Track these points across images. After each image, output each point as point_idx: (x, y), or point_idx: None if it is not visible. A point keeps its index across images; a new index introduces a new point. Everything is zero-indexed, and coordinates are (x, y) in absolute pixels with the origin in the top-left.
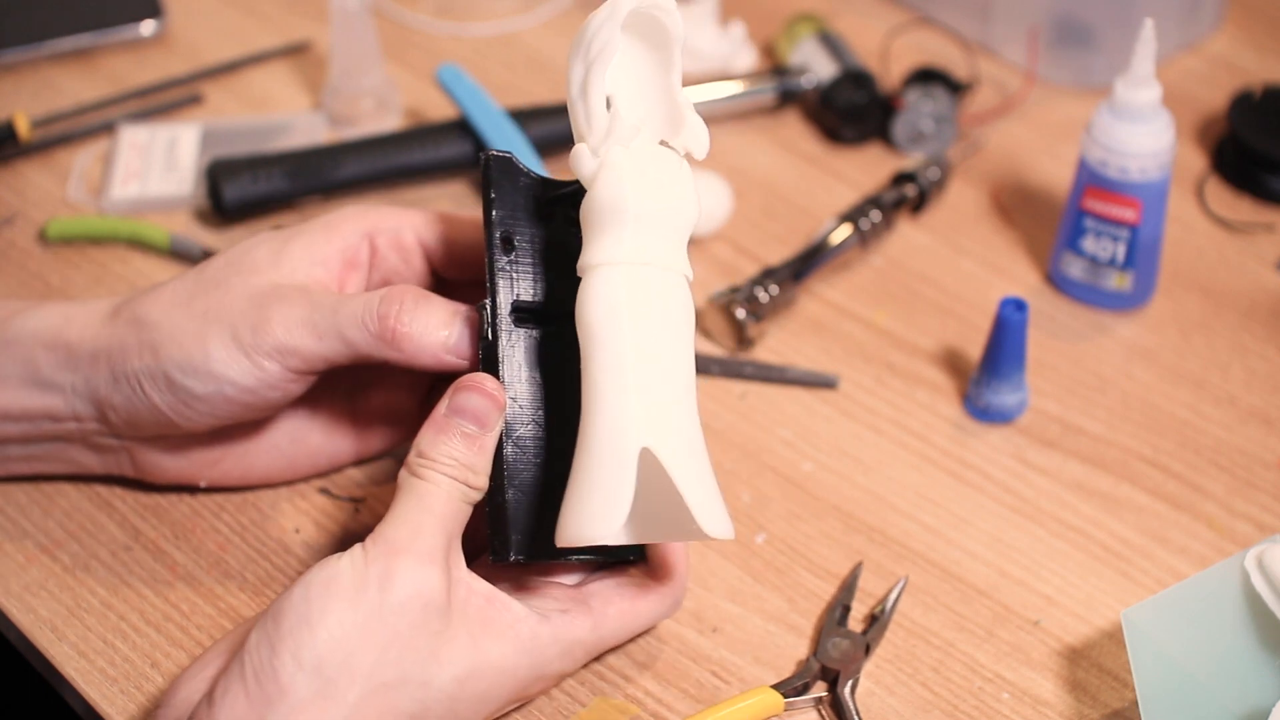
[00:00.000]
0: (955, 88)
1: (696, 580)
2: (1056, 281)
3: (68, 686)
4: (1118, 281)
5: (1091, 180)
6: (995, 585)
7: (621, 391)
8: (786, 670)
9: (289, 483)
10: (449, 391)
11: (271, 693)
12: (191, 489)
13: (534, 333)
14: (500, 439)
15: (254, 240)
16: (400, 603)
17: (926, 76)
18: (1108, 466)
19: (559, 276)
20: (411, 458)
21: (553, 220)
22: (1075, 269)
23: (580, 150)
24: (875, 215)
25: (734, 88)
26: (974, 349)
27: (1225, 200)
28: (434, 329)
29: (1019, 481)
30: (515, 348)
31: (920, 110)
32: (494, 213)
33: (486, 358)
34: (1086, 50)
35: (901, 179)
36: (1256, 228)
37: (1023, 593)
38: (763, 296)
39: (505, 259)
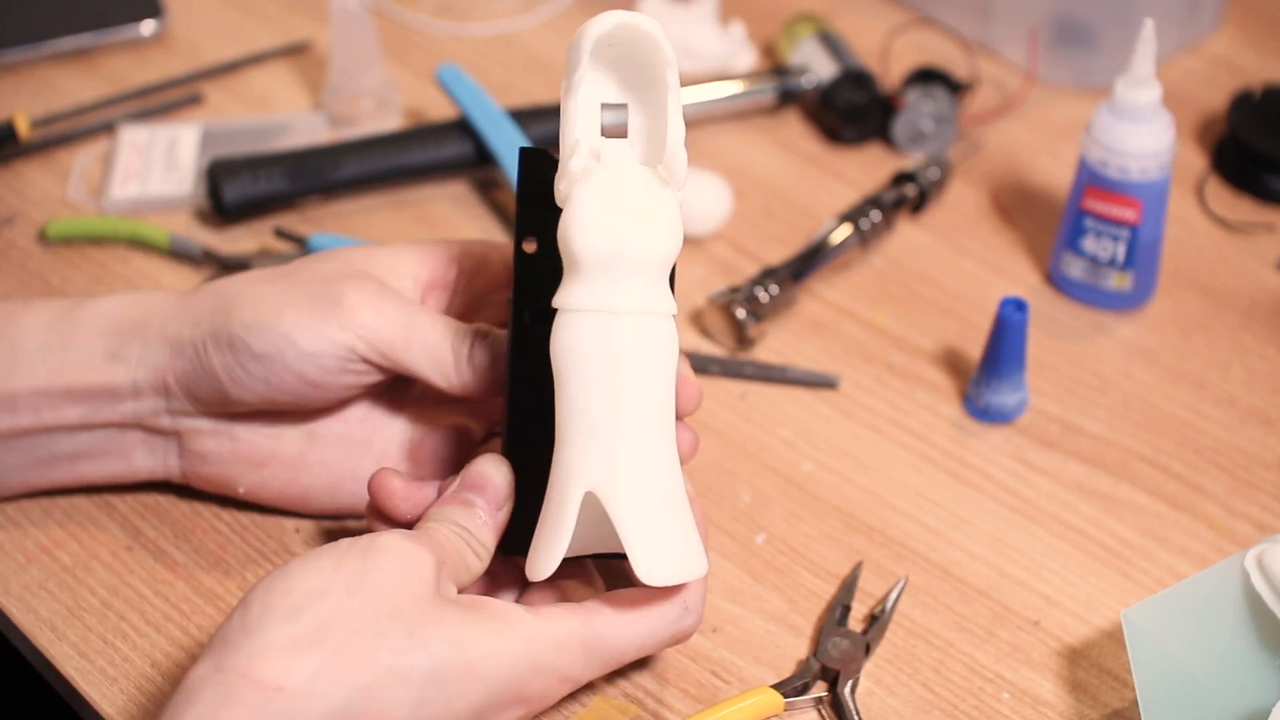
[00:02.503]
0: (955, 88)
1: None
2: (1056, 281)
3: (67, 686)
4: (1118, 281)
5: (1091, 180)
6: (995, 585)
7: (578, 435)
8: (786, 670)
9: (329, 516)
10: (463, 471)
11: (235, 640)
12: (195, 494)
13: (548, 329)
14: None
15: (340, 248)
16: (386, 565)
17: (926, 76)
18: (1108, 466)
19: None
20: (418, 523)
21: None
22: (1075, 269)
23: (556, 178)
24: (875, 215)
25: (734, 88)
26: (974, 349)
27: (1225, 200)
28: None
29: (1019, 481)
30: (535, 345)
31: (920, 110)
32: (520, 208)
33: (509, 354)
34: (1086, 50)
35: (901, 179)
36: (1256, 228)
37: (1023, 593)
38: (763, 296)
39: (529, 256)
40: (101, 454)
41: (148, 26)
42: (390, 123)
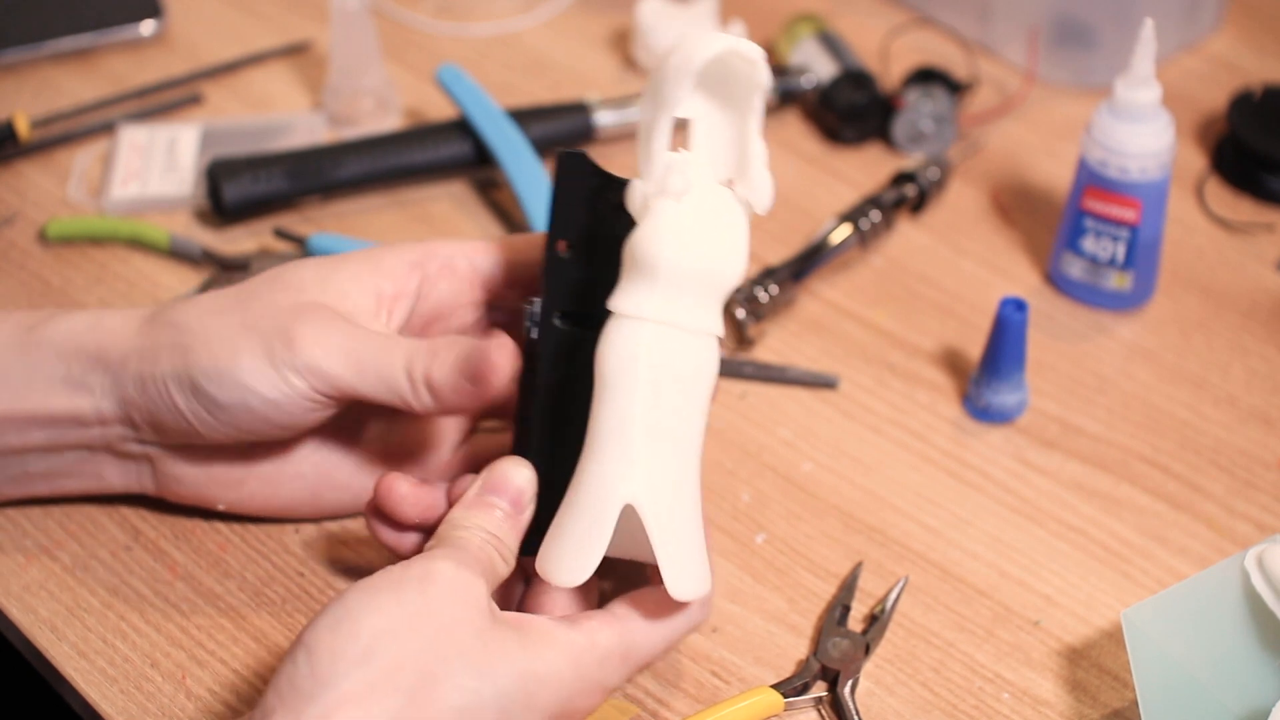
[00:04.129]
0: (955, 88)
1: None
2: (1056, 281)
3: (67, 686)
4: (1118, 281)
5: (1091, 180)
6: (995, 585)
7: (620, 445)
8: (786, 670)
9: (312, 519)
10: (483, 473)
11: (309, 689)
12: None
13: (579, 332)
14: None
15: (300, 262)
16: (444, 597)
17: (926, 76)
18: (1108, 466)
19: (612, 278)
20: (441, 529)
21: (616, 220)
22: (1075, 269)
23: (634, 186)
24: (875, 215)
25: None
26: (974, 349)
27: (1225, 200)
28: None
29: (1019, 481)
30: (557, 346)
31: (920, 110)
32: (555, 211)
33: (528, 355)
34: (1086, 50)
35: (901, 179)
36: (1256, 228)
37: (1023, 593)
38: (762, 296)
39: (560, 258)
40: (75, 473)
41: (148, 26)
42: (390, 122)
